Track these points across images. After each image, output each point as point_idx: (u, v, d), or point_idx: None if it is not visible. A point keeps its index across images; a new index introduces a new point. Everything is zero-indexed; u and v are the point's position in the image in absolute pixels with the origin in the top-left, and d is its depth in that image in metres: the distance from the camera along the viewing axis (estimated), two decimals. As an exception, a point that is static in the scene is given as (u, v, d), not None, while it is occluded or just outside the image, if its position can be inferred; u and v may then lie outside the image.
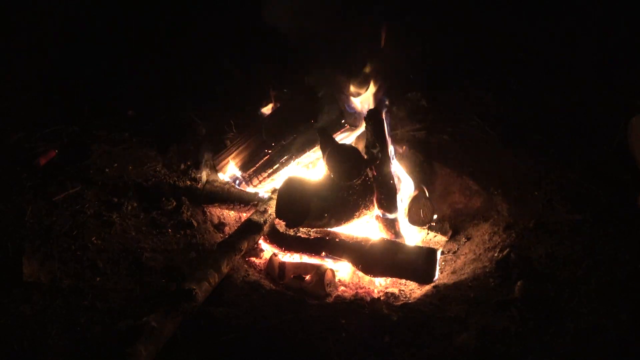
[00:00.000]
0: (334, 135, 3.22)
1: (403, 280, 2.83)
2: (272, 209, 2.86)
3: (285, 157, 3.36)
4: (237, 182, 3.49)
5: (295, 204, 2.65)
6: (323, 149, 2.93)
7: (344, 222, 2.91)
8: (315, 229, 2.93)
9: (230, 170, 3.50)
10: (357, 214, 2.91)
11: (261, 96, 3.81)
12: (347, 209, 2.84)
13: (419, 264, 2.69)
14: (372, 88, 3.32)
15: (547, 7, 4.28)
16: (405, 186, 3.23)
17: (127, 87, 4.05)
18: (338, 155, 2.79)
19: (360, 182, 2.84)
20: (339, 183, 2.78)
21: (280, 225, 2.94)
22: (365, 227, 3.15)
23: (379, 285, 2.85)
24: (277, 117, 3.45)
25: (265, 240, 2.96)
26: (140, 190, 3.09)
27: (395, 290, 2.72)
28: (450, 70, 4.15)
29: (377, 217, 3.03)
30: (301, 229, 2.92)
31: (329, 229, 2.93)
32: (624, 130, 3.09)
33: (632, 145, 3.02)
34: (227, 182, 3.46)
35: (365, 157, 2.94)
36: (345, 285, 2.86)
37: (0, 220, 2.62)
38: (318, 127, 3.12)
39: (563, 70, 4.05)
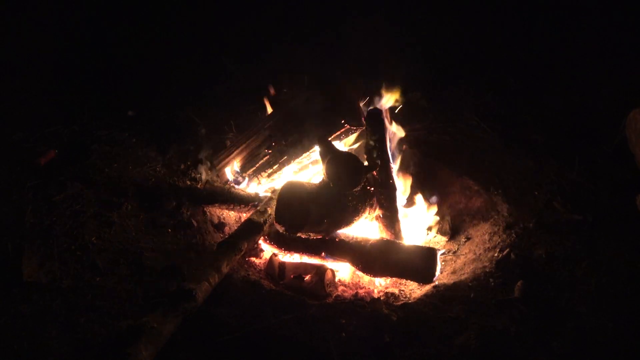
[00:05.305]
0: (334, 135, 3.22)
1: (403, 280, 2.83)
2: (272, 209, 2.85)
3: (285, 157, 3.36)
4: (237, 182, 3.49)
5: (294, 209, 2.62)
6: (323, 157, 2.89)
7: (344, 227, 2.90)
8: (314, 230, 2.92)
9: (230, 170, 3.50)
10: (356, 218, 2.90)
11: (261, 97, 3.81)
12: (346, 215, 2.82)
13: (419, 264, 2.68)
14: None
15: (546, 7, 4.29)
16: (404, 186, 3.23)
17: (127, 86, 4.05)
18: (338, 164, 2.73)
19: (360, 188, 2.82)
20: (339, 191, 2.75)
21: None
22: (365, 227, 3.15)
23: (379, 285, 2.85)
24: (288, 115, 3.39)
25: (265, 240, 2.96)
26: (140, 190, 3.08)
27: (395, 290, 2.72)
28: (450, 70, 4.16)
29: (377, 217, 3.03)
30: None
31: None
32: (623, 126, 3.09)
33: (630, 139, 3.02)
34: (227, 182, 3.46)
35: (365, 161, 2.92)
36: (345, 285, 2.85)
37: (0, 220, 2.62)
38: (318, 134, 3.08)
39: (563, 70, 4.06)
